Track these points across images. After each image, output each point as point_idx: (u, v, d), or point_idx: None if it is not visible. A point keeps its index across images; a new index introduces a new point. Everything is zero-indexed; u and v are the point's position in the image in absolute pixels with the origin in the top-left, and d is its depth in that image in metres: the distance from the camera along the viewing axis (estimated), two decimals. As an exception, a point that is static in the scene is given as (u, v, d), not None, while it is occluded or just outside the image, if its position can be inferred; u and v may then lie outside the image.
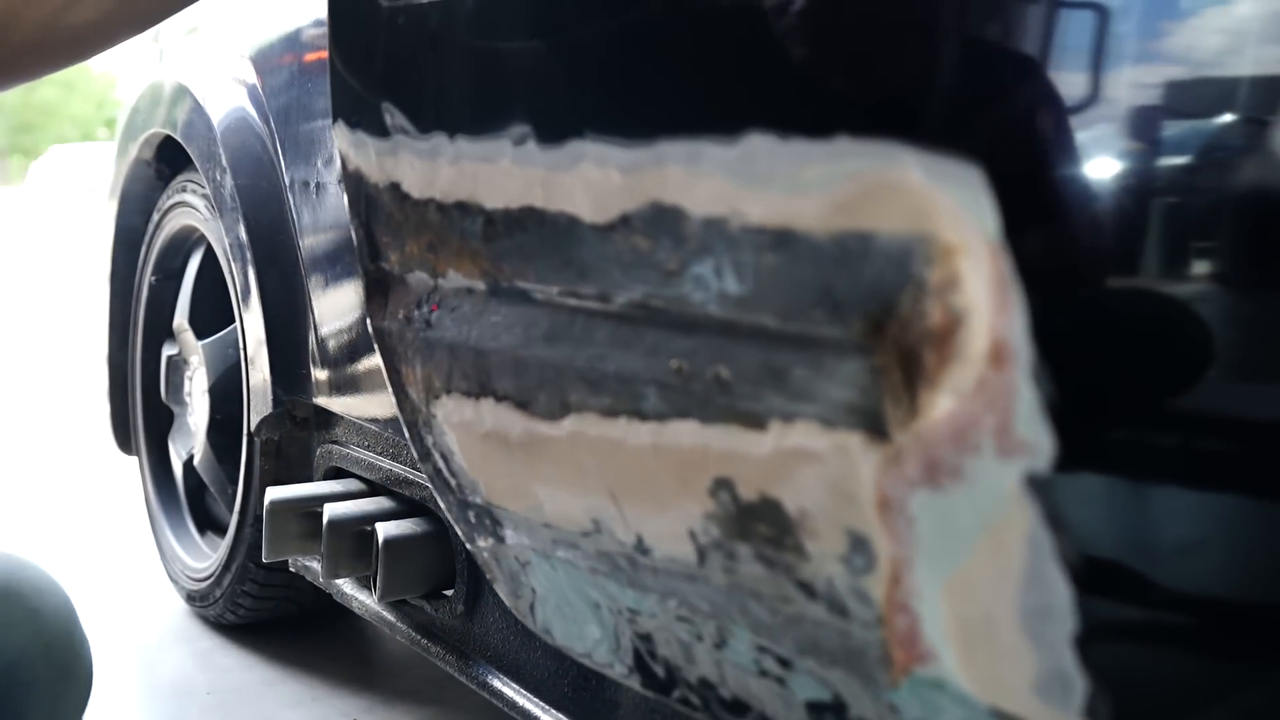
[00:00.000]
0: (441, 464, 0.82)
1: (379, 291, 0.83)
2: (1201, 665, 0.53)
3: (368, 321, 0.84)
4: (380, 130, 0.78)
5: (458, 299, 0.76)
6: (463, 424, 0.78)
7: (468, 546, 0.85)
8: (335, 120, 0.82)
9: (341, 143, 0.82)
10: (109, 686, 1.52)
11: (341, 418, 1.39)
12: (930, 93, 0.53)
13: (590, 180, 0.65)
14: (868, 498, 0.55)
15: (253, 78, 1.56)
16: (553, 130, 0.67)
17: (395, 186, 0.78)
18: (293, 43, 1.47)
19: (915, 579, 0.55)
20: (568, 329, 0.69)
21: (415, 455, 0.85)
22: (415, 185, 0.76)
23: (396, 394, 0.83)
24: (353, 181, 0.82)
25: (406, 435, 0.84)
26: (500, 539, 0.81)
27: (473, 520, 0.82)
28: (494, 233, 0.71)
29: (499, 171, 0.70)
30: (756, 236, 0.58)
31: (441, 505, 0.86)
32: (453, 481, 0.82)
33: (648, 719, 0.95)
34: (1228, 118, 0.49)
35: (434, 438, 0.81)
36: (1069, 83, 0.50)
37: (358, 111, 0.80)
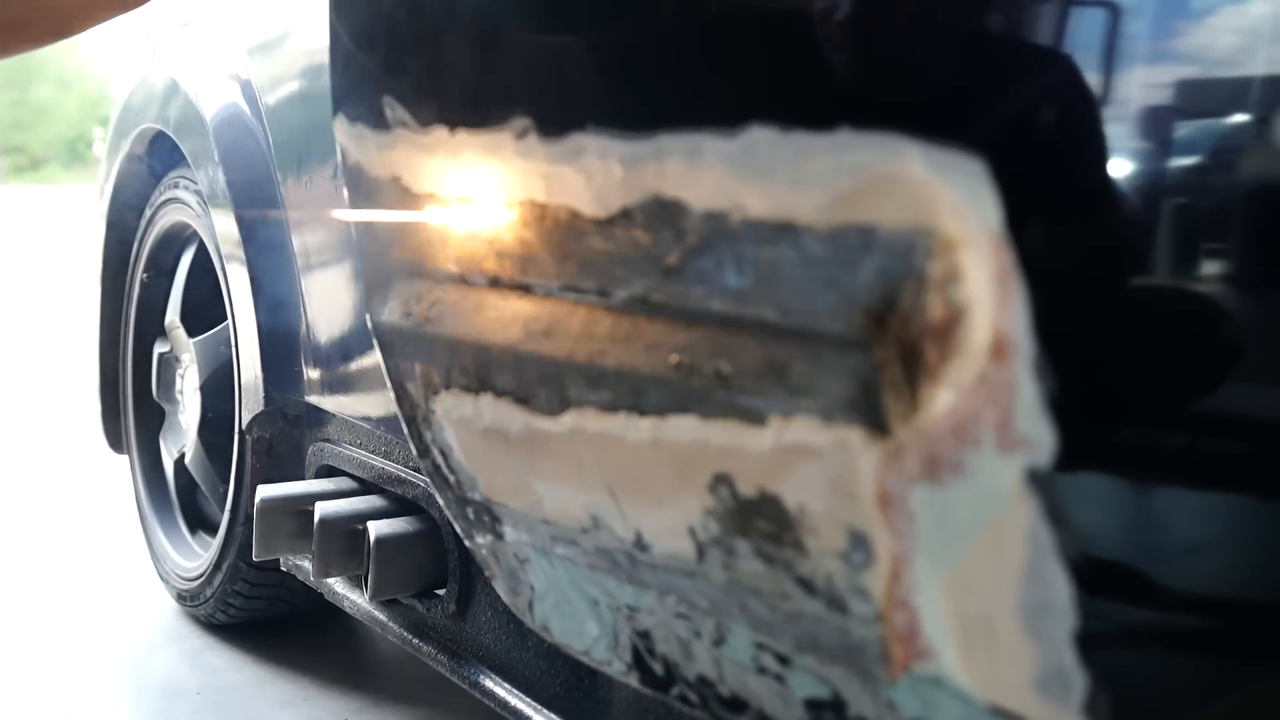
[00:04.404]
0: (440, 460, 0.82)
1: (378, 286, 0.83)
2: (1202, 663, 0.53)
3: (367, 317, 0.84)
4: (380, 124, 0.77)
5: (458, 293, 0.75)
6: (462, 420, 0.77)
7: (466, 543, 0.84)
8: (335, 114, 0.82)
9: (341, 136, 0.82)
10: (98, 686, 1.52)
11: (334, 416, 1.39)
12: (933, 85, 0.53)
13: (591, 173, 0.64)
14: (868, 493, 0.55)
15: (246, 72, 1.56)
16: (554, 124, 0.67)
17: (395, 180, 0.77)
18: (287, 36, 1.47)
19: (915, 575, 0.55)
20: (567, 323, 0.68)
21: (414, 451, 0.84)
22: (415, 179, 0.76)
23: (395, 390, 0.83)
24: (352, 175, 0.82)
25: (405, 431, 0.84)
26: (499, 535, 0.80)
27: (471, 517, 0.82)
28: (495, 227, 0.71)
29: (500, 165, 0.70)
30: (757, 230, 0.57)
31: (440, 502, 0.86)
32: (451, 478, 0.82)
33: (640, 718, 0.94)
34: (1236, 117, 0.49)
35: (433, 434, 0.81)
36: (1075, 77, 0.50)
37: (358, 105, 0.80)
